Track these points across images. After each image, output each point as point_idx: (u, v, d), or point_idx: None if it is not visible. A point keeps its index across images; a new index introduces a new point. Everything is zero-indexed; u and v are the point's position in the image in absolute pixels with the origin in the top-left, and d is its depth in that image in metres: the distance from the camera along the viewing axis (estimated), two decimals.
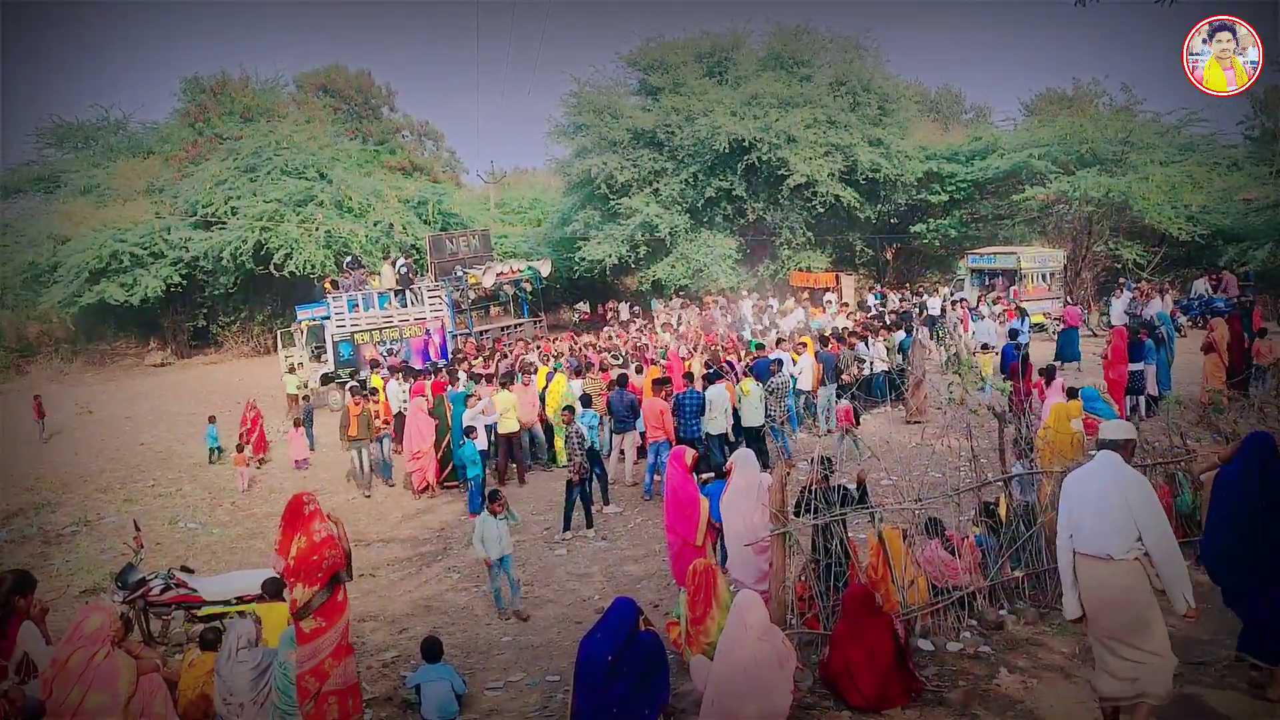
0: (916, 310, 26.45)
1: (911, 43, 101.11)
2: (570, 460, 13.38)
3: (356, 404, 16.31)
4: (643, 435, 15.22)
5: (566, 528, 13.22)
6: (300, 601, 6.77)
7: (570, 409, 14.22)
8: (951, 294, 28.72)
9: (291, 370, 23.47)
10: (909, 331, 20.38)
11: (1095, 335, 25.17)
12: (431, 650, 7.80)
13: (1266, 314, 18.61)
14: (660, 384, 15.16)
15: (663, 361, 19.33)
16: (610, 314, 33.02)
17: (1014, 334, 19.21)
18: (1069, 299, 28.53)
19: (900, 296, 30.02)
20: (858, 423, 15.83)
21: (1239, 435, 8.55)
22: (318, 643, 6.82)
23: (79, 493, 17.40)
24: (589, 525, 13.35)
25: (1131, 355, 16.10)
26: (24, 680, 6.33)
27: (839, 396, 17.06)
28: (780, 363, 16.34)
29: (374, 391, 17.93)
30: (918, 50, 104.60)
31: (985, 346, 19.88)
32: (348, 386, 18.86)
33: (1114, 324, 21.84)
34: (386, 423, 17.24)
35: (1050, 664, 7.27)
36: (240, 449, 18.01)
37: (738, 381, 15.77)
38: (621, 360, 19.77)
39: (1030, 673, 7.10)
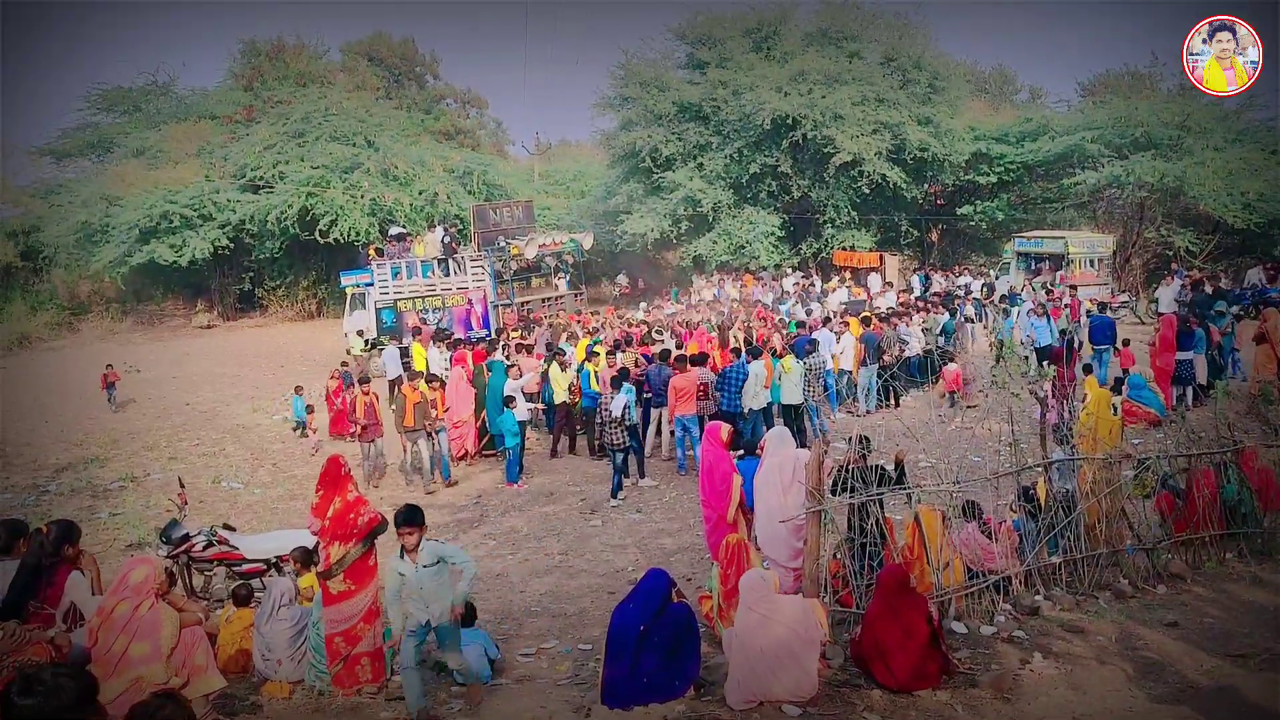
0: (984, 290, 26.01)
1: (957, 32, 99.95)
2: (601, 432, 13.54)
3: (414, 389, 14.95)
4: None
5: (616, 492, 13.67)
6: (334, 559, 6.88)
7: (617, 380, 14.29)
8: (997, 277, 28.28)
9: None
10: (953, 313, 20.14)
11: (1143, 323, 24.72)
12: (465, 615, 7.88)
13: None
14: (693, 360, 15.11)
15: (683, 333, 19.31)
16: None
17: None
18: (1116, 286, 28.03)
19: (946, 278, 29.57)
20: (963, 389, 15.78)
21: None
22: (347, 606, 6.92)
23: (126, 449, 17.81)
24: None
25: (1180, 344, 15.78)
26: (71, 628, 6.48)
27: (893, 377, 16.83)
28: (816, 342, 16.21)
29: (433, 379, 15.82)
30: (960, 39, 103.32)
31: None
32: (401, 378, 17.26)
33: (1163, 312, 21.40)
34: (448, 410, 15.63)
35: (1086, 650, 7.18)
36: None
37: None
38: (665, 336, 19.74)
39: (1065, 658, 7.03)
